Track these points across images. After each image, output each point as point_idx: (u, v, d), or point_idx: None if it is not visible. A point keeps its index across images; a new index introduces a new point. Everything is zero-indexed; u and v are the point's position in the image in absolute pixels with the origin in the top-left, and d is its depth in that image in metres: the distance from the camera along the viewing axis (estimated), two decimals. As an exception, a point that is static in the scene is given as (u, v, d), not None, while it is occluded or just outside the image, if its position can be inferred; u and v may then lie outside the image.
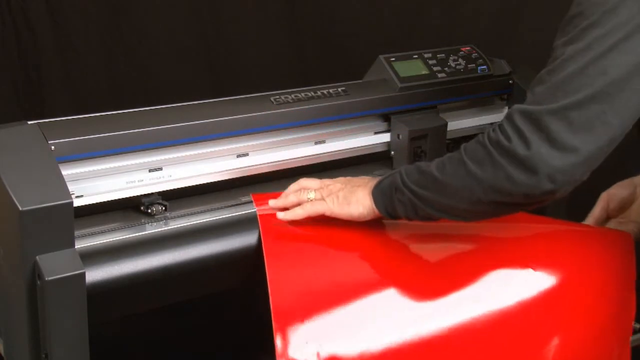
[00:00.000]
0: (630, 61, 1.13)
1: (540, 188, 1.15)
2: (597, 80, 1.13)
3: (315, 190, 1.38)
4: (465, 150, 1.23)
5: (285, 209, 1.39)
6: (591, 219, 1.53)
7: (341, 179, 1.41)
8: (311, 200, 1.37)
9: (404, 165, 1.32)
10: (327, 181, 1.40)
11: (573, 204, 1.76)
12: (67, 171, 1.28)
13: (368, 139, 1.64)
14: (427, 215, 1.29)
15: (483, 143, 1.20)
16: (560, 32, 1.18)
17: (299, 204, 1.38)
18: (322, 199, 1.36)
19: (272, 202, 1.39)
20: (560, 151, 1.14)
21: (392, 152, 1.65)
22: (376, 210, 1.33)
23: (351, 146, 1.61)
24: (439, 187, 1.24)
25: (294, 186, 1.41)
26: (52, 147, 1.25)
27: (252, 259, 1.35)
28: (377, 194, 1.33)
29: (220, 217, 1.39)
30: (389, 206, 1.31)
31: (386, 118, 1.65)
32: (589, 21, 1.14)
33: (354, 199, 1.34)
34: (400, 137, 1.62)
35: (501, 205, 1.21)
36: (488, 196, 1.20)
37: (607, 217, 1.54)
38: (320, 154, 1.58)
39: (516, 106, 1.18)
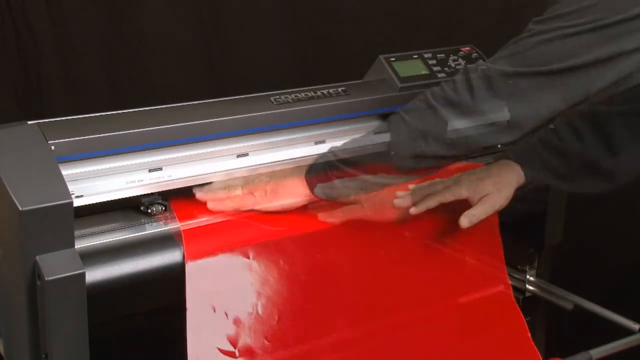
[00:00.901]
0: (593, 54, 1.21)
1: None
2: (553, 59, 1.23)
3: (242, 187, 1.42)
4: (404, 111, 1.34)
5: None
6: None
7: (264, 173, 1.45)
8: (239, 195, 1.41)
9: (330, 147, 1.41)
10: (252, 176, 1.44)
11: (572, 204, 1.76)
12: (67, 171, 1.28)
13: (368, 139, 1.63)
14: (362, 186, 1.38)
15: (425, 100, 1.32)
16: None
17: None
18: (250, 193, 1.40)
19: (200, 197, 1.42)
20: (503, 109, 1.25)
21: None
22: (311, 195, 1.38)
23: (351, 146, 1.61)
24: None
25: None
26: (52, 147, 1.25)
27: (252, 259, 1.34)
28: (311, 179, 1.38)
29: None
30: (325, 187, 1.37)
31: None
32: (563, 10, 1.24)
33: (281, 190, 1.39)
34: (400, 137, 1.61)
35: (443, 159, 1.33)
36: (430, 148, 1.30)
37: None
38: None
39: (478, 62, 1.30)
